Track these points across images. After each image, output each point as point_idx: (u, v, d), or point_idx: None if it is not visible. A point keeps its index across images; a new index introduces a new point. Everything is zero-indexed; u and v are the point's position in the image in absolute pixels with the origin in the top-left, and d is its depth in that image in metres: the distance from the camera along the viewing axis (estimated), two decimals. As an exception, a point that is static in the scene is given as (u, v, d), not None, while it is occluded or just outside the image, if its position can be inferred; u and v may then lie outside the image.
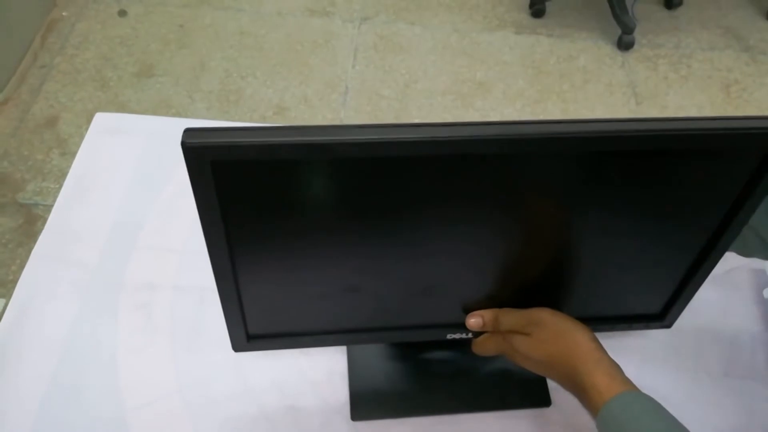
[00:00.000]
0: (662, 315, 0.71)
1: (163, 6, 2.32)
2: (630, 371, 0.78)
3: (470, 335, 0.69)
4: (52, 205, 0.88)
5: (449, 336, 0.69)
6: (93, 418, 0.72)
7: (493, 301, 0.66)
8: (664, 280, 0.67)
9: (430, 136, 0.46)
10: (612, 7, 2.22)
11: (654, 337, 0.82)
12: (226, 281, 0.58)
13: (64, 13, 2.28)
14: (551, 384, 0.78)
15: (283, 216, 0.52)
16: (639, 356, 0.81)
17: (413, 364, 0.78)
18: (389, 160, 0.48)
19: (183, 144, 0.45)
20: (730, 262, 0.81)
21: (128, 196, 0.90)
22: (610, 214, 0.57)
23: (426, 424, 0.74)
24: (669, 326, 0.72)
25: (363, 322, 0.67)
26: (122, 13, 2.33)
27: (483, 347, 0.68)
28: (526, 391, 0.77)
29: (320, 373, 0.77)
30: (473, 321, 0.65)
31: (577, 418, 0.75)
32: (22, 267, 0.82)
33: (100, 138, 0.96)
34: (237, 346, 0.66)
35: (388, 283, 0.61)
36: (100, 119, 0.98)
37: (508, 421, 0.75)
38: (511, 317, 0.64)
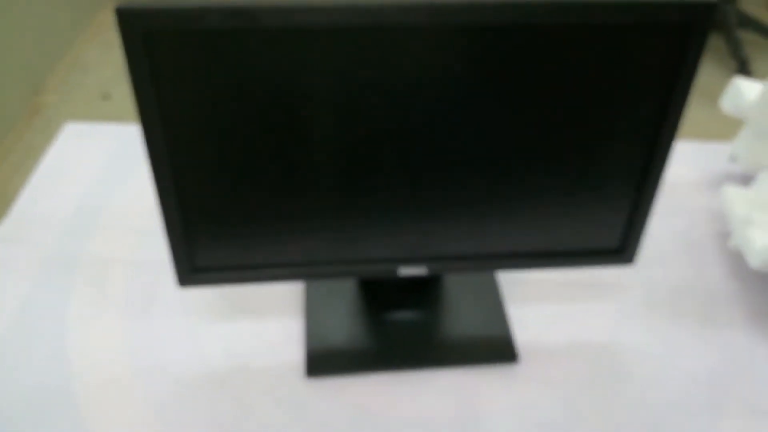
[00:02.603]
0: (622, 248, 0.72)
1: (146, 87, 2.45)
2: (608, 326, 0.78)
3: (424, 270, 0.70)
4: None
5: (401, 271, 0.70)
6: (38, 383, 0.70)
7: (439, 236, 0.67)
8: (615, 205, 0.68)
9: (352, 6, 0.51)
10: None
11: (631, 294, 0.82)
12: (166, 192, 0.60)
13: (49, 98, 2.41)
14: (518, 340, 0.77)
15: (223, 101, 0.55)
16: (617, 313, 0.80)
17: (374, 323, 0.77)
18: (319, 30, 0.52)
19: (117, 10, 0.49)
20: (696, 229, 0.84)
21: (92, 187, 0.93)
22: (545, 118, 0.60)
23: (386, 382, 0.73)
24: (630, 260, 0.72)
25: (313, 255, 0.67)
26: (106, 96, 2.46)
27: None
28: (491, 346, 0.76)
29: (276, 335, 0.76)
30: None
31: (545, 374, 0.74)
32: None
33: (69, 141, 1.01)
34: (182, 280, 0.66)
35: (332, 197, 0.63)
36: (69, 129, 1.04)
37: (471, 376, 0.74)
38: None
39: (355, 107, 0.57)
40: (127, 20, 0.50)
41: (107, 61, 2.61)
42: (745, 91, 0.89)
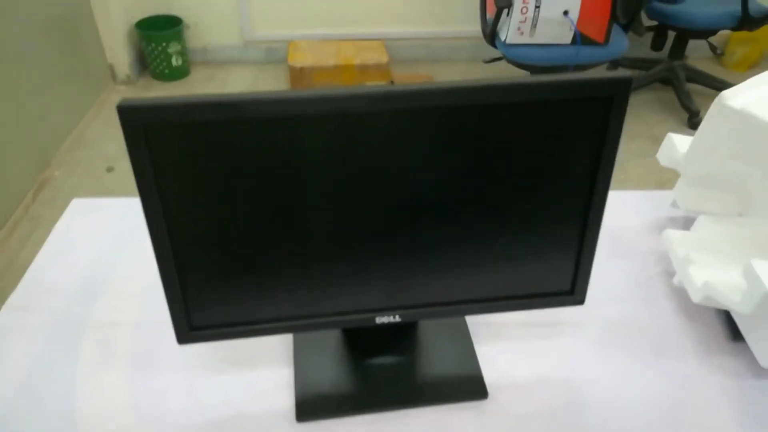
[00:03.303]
0: (572, 290, 0.77)
1: (147, 159, 2.52)
2: (568, 361, 0.83)
3: (398, 318, 0.74)
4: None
5: (378, 320, 0.74)
6: (46, 438, 0.73)
7: (410, 287, 0.72)
8: (563, 252, 0.74)
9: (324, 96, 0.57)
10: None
11: (588, 331, 0.87)
12: (166, 261, 0.65)
13: (56, 173, 2.47)
14: (487, 377, 0.81)
15: (214, 182, 0.61)
16: (575, 349, 0.85)
17: (357, 368, 0.81)
18: (296, 118, 0.58)
19: (118, 107, 0.55)
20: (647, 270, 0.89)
21: (97, 256, 0.98)
22: (497, 183, 0.66)
23: (369, 422, 0.76)
24: (582, 300, 0.77)
25: (299, 310, 0.72)
26: (110, 169, 2.52)
27: None
28: (464, 385, 0.80)
29: (268, 384, 0.80)
30: None
31: (513, 408, 0.78)
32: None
33: (76, 215, 1.06)
34: (181, 338, 0.70)
35: (319, 260, 0.68)
36: (76, 203, 1.09)
37: (447, 413, 0.77)
38: None
39: (335, 183, 0.63)
40: (127, 115, 0.56)
41: (110, 137, 2.69)
42: (677, 144, 0.96)
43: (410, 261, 0.71)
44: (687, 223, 1.04)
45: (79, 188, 2.39)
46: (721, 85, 2.78)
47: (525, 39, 2.32)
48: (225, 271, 0.67)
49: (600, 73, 0.62)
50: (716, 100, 0.85)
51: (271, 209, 0.63)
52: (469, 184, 0.65)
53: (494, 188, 0.67)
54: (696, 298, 0.83)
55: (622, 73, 0.61)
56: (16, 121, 2.25)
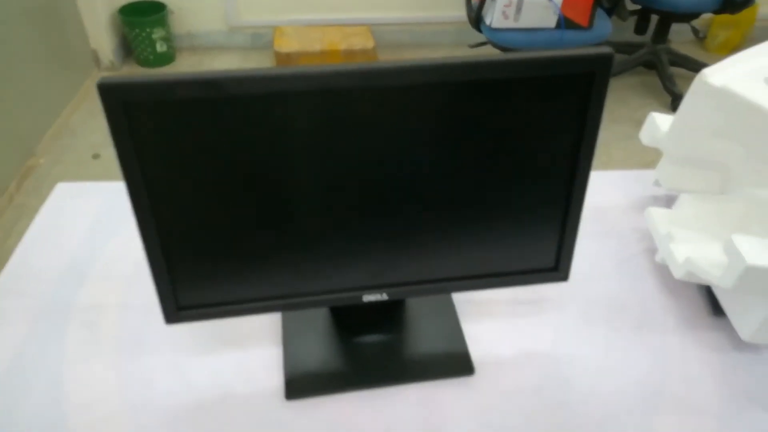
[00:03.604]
0: (556, 266, 0.77)
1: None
2: (552, 338, 0.83)
3: (384, 296, 0.74)
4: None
5: (365, 298, 0.74)
6: (36, 421, 0.73)
7: (397, 265, 0.72)
8: (547, 229, 0.74)
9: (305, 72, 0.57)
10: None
11: (571, 308, 0.88)
12: (151, 240, 0.64)
13: (41, 161, 2.44)
14: (473, 353, 0.81)
15: (198, 160, 0.60)
16: (559, 326, 0.86)
17: (346, 346, 0.81)
18: (275, 95, 0.57)
19: (98, 85, 0.54)
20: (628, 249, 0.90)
21: (83, 240, 0.97)
22: (482, 160, 0.66)
23: (357, 398, 0.77)
24: (565, 277, 0.78)
25: (286, 289, 0.72)
26: (96, 156, 2.50)
27: None
28: (450, 361, 0.81)
29: (257, 363, 0.80)
30: None
31: (499, 384, 0.79)
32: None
33: (61, 199, 1.05)
34: (168, 318, 0.70)
35: (302, 236, 0.68)
36: (61, 188, 1.08)
37: (434, 389, 0.78)
38: None
39: (319, 160, 0.62)
40: (107, 93, 0.55)
41: (95, 124, 2.66)
42: (659, 124, 0.96)
43: (397, 239, 0.71)
44: (669, 201, 1.05)
45: (64, 176, 2.36)
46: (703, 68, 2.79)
47: (510, 23, 2.31)
48: (211, 249, 0.67)
49: (581, 49, 0.62)
50: (697, 77, 0.85)
51: (255, 188, 0.63)
52: (453, 162, 0.65)
53: (478, 166, 0.67)
54: (678, 273, 0.84)
55: (603, 49, 0.61)
56: (-1, 108, 2.21)
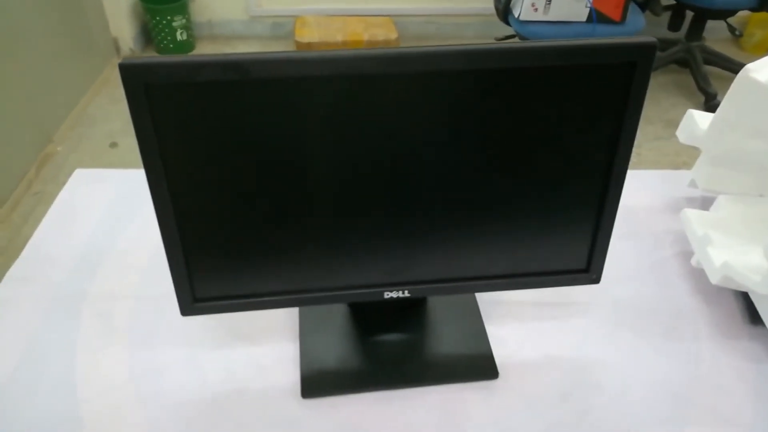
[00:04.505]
0: (587, 268, 0.75)
1: (150, 136, 2.51)
2: (579, 342, 0.81)
3: (407, 294, 0.73)
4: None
5: (386, 295, 0.73)
6: (45, 410, 0.73)
7: (420, 262, 0.70)
8: (580, 228, 0.72)
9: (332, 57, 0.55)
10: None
11: (600, 311, 0.86)
12: (169, 230, 0.63)
13: (59, 148, 2.46)
14: (497, 356, 0.80)
15: (218, 145, 0.59)
16: (587, 329, 0.83)
17: (364, 344, 0.80)
18: (299, 80, 0.56)
19: (120, 65, 0.53)
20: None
21: (100, 228, 0.97)
22: (513, 154, 0.64)
23: (375, 399, 0.75)
24: (597, 279, 0.76)
25: (305, 283, 0.71)
26: (113, 144, 2.51)
27: None
28: (473, 364, 0.79)
29: (272, 359, 0.79)
30: None
31: (524, 388, 0.77)
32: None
33: (78, 186, 1.05)
34: (184, 310, 0.69)
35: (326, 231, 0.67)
36: (79, 174, 1.08)
37: (455, 393, 0.76)
38: None
39: (342, 149, 0.61)
40: (129, 74, 0.54)
41: (114, 112, 2.68)
42: (698, 121, 0.94)
43: (421, 235, 0.69)
44: (704, 203, 1.02)
45: (81, 164, 2.38)
46: (739, 68, 2.72)
47: (539, 16, 2.28)
48: (229, 240, 0.66)
49: (622, 38, 0.59)
50: (740, 73, 0.83)
51: (276, 176, 0.62)
52: (483, 155, 0.63)
53: (509, 159, 0.65)
54: (714, 278, 0.81)
55: (646, 37, 0.59)
56: (18, 96, 2.23)
